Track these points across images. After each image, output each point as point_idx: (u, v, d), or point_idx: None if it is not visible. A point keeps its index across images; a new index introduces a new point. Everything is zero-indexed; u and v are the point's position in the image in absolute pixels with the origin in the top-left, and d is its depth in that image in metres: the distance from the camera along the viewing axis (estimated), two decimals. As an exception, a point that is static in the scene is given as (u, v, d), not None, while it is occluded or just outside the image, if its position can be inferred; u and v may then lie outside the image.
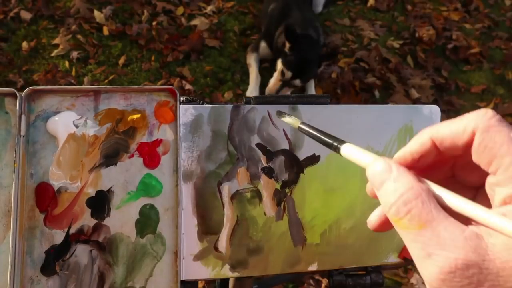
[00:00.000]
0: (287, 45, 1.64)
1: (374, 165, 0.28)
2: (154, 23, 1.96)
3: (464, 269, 0.23)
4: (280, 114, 0.45)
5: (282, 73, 1.68)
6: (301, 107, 0.55)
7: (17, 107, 0.49)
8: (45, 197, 0.50)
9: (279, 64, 1.71)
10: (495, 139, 0.25)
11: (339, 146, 0.31)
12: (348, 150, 0.31)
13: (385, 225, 0.29)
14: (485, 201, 0.27)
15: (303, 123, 0.38)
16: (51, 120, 0.51)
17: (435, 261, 0.24)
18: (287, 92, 1.72)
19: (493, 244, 0.23)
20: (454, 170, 0.30)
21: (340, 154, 0.31)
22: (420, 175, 0.27)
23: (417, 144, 0.28)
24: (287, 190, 0.54)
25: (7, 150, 0.50)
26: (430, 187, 0.26)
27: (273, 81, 1.72)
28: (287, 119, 0.43)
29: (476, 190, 0.29)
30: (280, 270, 0.53)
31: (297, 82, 1.70)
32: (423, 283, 1.39)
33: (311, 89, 1.85)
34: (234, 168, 0.53)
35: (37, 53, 1.82)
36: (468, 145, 0.26)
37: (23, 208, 0.49)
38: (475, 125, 0.26)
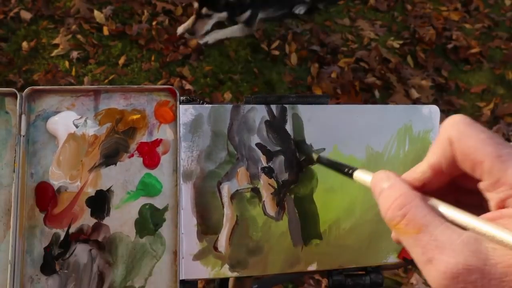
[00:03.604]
0: None
1: (374, 176, 0.29)
2: (154, 23, 1.96)
3: (466, 274, 0.22)
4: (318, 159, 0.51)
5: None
6: (300, 107, 0.55)
7: (17, 107, 0.50)
8: (45, 196, 0.50)
9: None
10: (468, 144, 0.25)
11: (351, 172, 0.35)
12: (359, 174, 0.34)
13: None
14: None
15: (320, 156, 0.48)
16: (51, 120, 0.51)
17: (436, 266, 0.23)
18: (205, 25, 1.75)
19: (494, 248, 0.22)
20: (456, 181, 0.29)
21: (353, 179, 0.35)
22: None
23: (418, 173, 0.28)
24: (287, 190, 0.54)
25: (7, 150, 0.50)
26: (424, 196, 0.26)
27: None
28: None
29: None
30: (279, 270, 0.53)
31: (223, 15, 1.71)
32: (423, 283, 1.39)
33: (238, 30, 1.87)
34: (234, 168, 0.53)
35: (37, 53, 1.82)
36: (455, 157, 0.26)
37: (23, 208, 0.49)
38: (449, 136, 0.26)
